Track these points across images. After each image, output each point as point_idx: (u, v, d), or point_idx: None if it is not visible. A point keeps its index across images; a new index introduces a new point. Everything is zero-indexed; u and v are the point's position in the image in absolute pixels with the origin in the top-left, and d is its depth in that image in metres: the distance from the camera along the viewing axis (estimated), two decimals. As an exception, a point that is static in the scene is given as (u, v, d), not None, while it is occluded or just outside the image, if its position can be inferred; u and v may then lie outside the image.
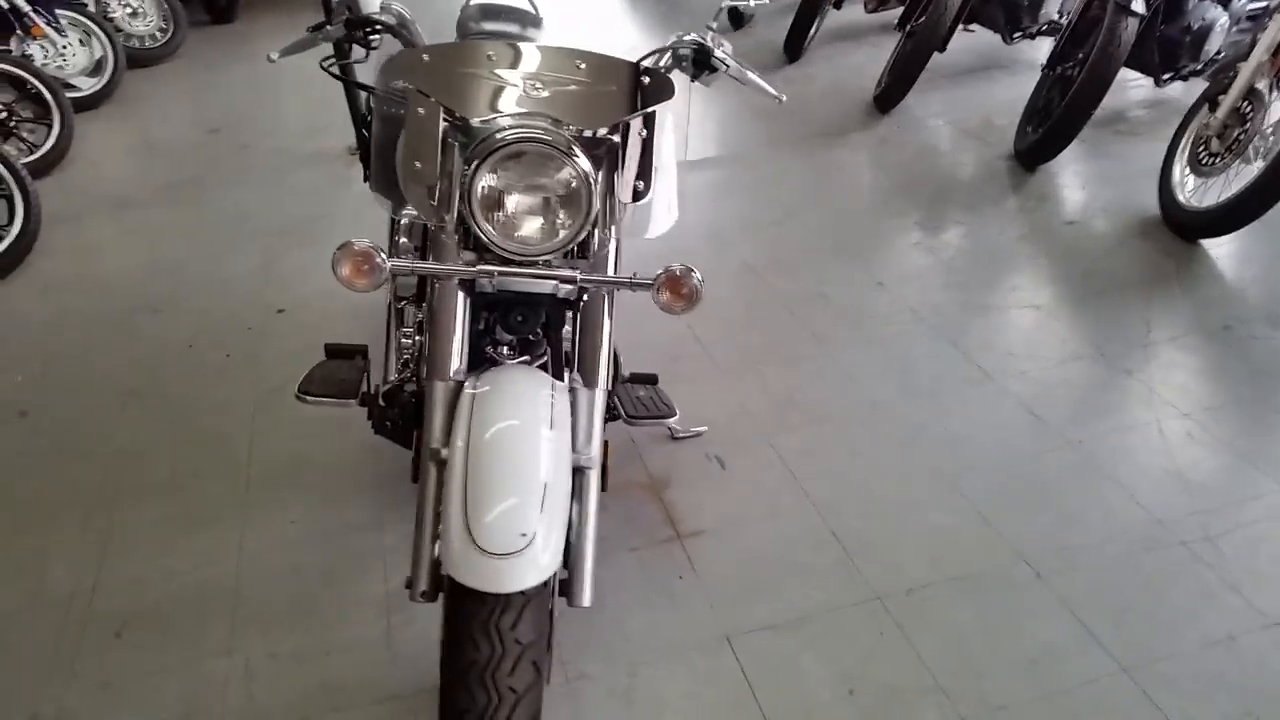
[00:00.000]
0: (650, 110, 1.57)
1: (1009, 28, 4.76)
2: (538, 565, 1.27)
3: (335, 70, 1.80)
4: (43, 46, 5.02)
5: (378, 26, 1.66)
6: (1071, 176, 3.82)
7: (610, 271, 1.61)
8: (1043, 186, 3.75)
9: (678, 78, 1.70)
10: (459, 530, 1.27)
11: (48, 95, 4.52)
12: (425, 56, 1.55)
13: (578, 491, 1.56)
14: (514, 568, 1.25)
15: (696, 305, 1.50)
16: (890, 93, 4.51)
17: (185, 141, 4.87)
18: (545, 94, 1.52)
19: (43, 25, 4.97)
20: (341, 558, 2.16)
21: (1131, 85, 4.51)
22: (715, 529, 2.19)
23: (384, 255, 1.42)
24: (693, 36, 1.76)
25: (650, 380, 2.33)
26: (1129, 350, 2.73)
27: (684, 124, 4.36)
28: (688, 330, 2.94)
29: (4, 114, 4.40)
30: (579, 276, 1.53)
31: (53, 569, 2.19)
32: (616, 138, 1.59)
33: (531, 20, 2.60)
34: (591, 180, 1.46)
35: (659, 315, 1.56)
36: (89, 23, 5.32)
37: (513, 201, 1.48)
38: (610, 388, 2.15)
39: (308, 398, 2.00)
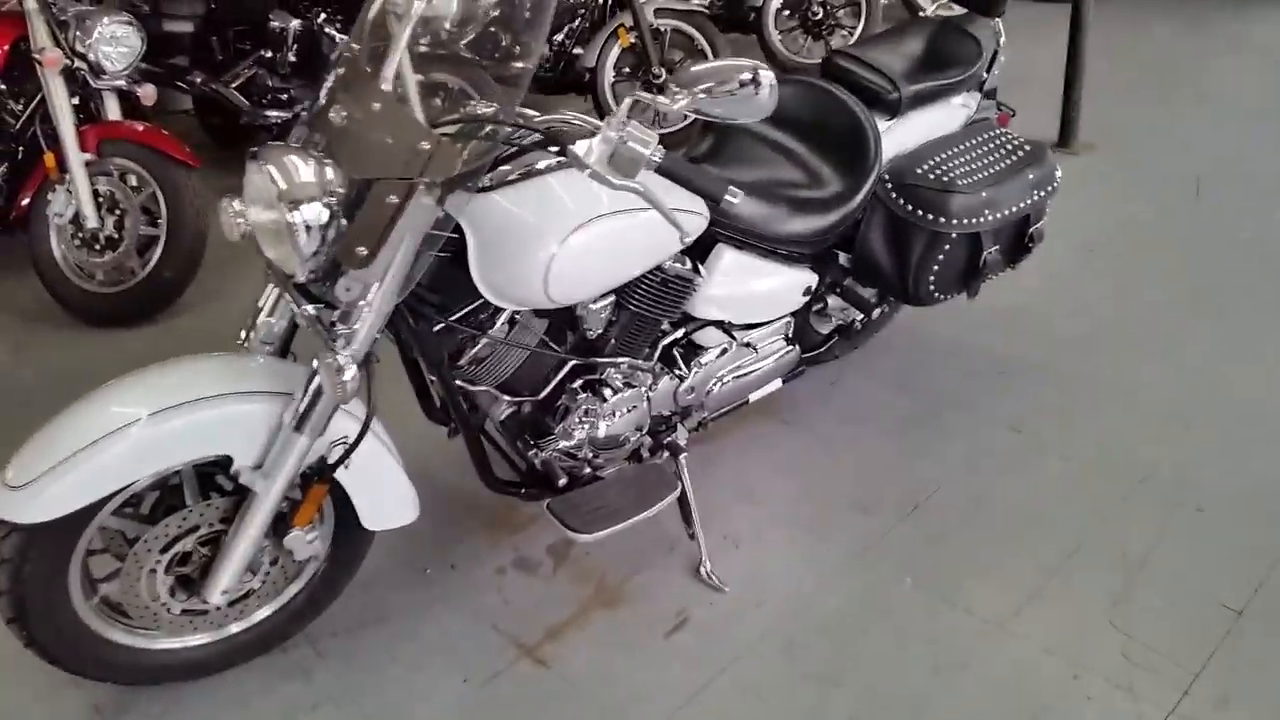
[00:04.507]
0: (411, 179, 1.41)
1: None
2: (14, 507, 1.44)
3: None
4: None
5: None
6: None
7: (363, 329, 1.52)
8: None
9: None
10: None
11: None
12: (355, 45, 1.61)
13: (246, 510, 1.62)
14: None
15: (348, 400, 1.52)
16: None
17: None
18: (342, 123, 1.49)
19: None
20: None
21: None
22: (562, 674, 1.87)
23: (243, 219, 1.56)
24: (572, 118, 1.45)
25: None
26: None
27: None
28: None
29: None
30: (307, 309, 1.54)
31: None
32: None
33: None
34: (296, 228, 1.42)
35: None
36: None
37: (252, 214, 1.50)
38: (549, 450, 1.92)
39: None
